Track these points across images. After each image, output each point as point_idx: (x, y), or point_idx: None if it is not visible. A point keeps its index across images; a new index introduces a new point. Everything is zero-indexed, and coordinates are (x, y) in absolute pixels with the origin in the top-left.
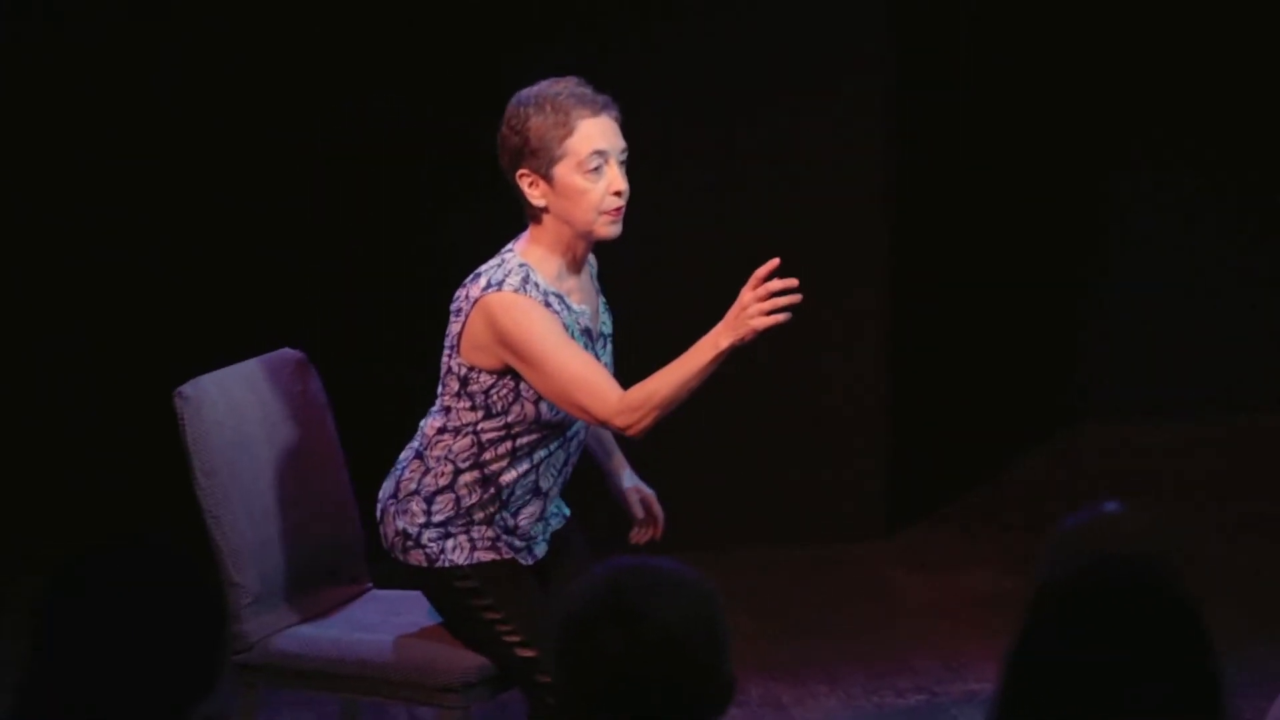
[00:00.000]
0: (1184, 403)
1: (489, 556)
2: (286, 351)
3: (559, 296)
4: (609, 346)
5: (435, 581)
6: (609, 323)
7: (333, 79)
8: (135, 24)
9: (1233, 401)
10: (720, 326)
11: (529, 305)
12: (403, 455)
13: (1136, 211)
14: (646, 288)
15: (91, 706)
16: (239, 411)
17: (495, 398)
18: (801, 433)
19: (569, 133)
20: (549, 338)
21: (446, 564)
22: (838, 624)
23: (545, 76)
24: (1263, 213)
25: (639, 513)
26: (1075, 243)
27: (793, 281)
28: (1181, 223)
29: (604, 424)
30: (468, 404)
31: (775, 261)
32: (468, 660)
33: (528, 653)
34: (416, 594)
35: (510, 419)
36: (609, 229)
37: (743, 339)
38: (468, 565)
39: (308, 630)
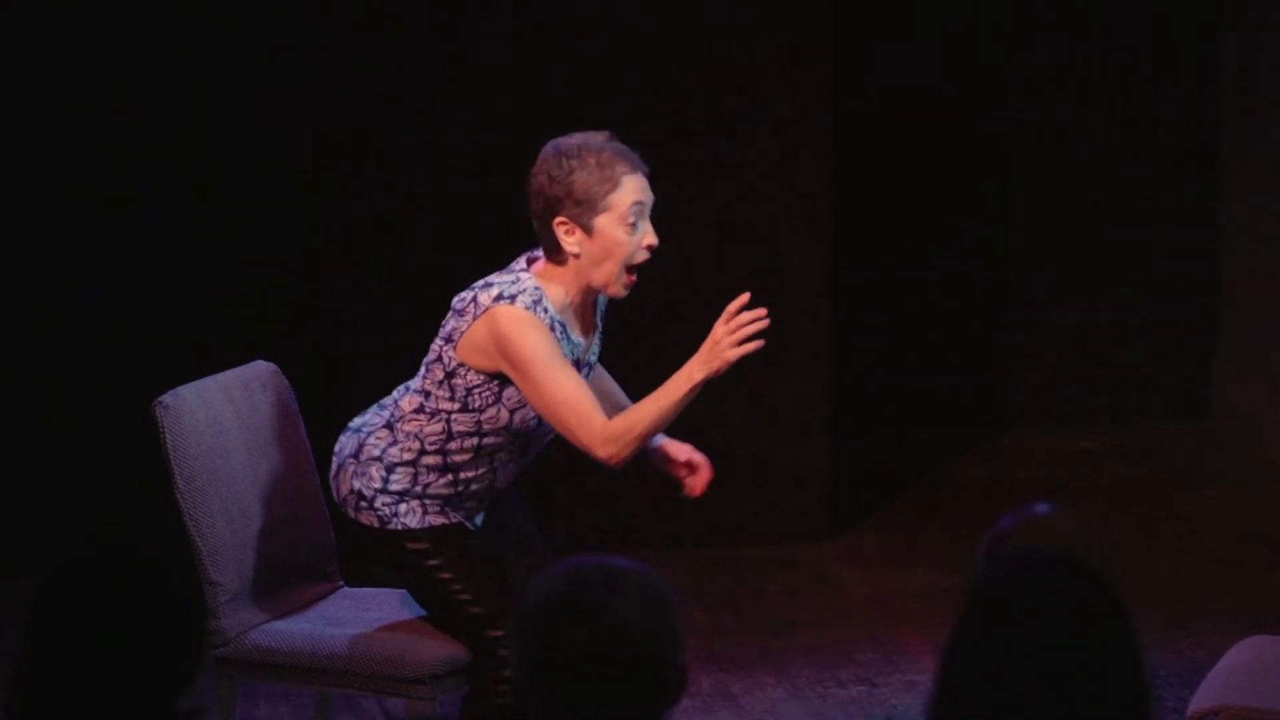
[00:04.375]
0: (1111, 408)
1: (439, 520)
2: (260, 363)
3: (563, 325)
4: (591, 375)
5: (388, 541)
6: (598, 352)
7: (301, 91)
8: (97, 33)
9: (1155, 407)
10: (694, 361)
11: (536, 324)
12: (367, 419)
13: (1064, 222)
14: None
15: (78, 700)
16: (216, 420)
17: (476, 396)
18: (750, 439)
19: (614, 186)
20: (552, 360)
21: (399, 526)
22: (785, 619)
23: (504, 83)
24: (1185, 225)
25: (681, 473)
26: (1013, 254)
27: (761, 311)
28: (1108, 235)
29: (587, 449)
30: (447, 394)
31: (745, 296)
32: (436, 653)
33: (477, 609)
34: (386, 590)
35: (484, 418)
36: (622, 290)
37: (717, 371)
38: (419, 528)
39: (282, 626)
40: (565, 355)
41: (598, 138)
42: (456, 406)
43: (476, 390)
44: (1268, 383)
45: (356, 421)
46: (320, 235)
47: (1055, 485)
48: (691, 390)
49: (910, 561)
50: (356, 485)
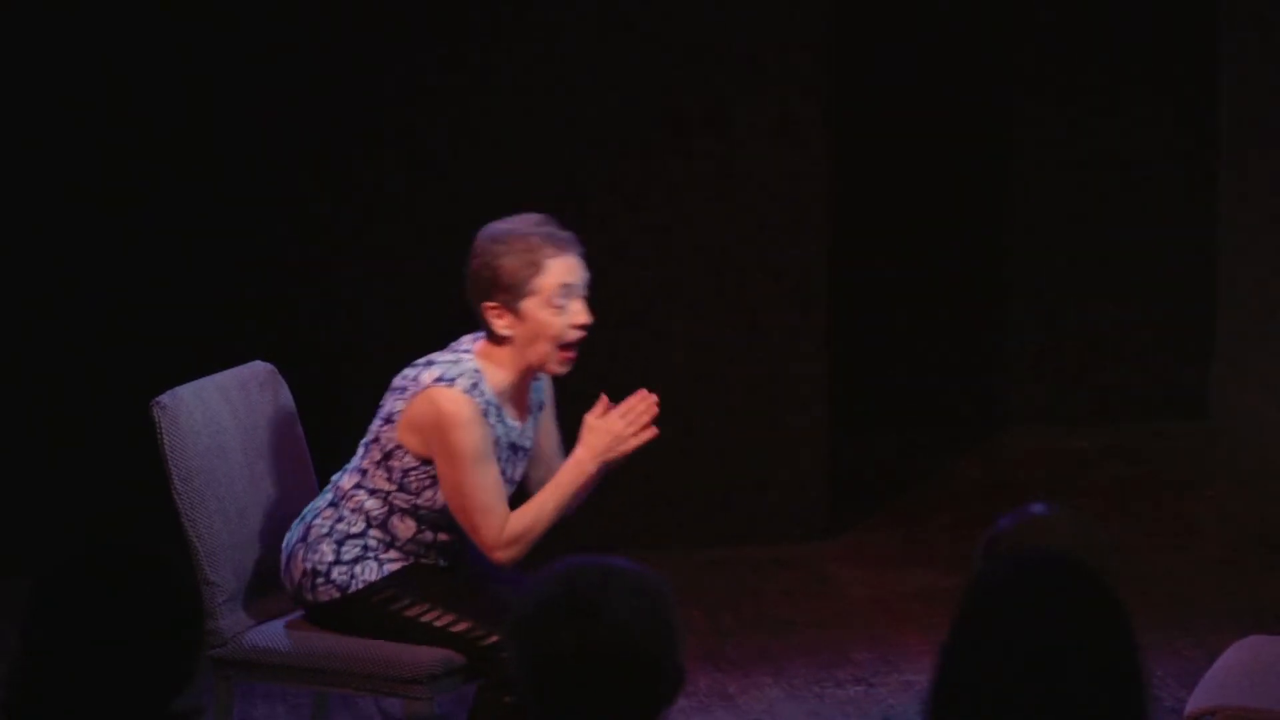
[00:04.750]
0: (1109, 408)
1: (398, 565)
2: (258, 364)
3: (498, 409)
4: (526, 459)
5: (354, 607)
6: (533, 437)
7: (301, 91)
8: (97, 33)
9: (1154, 407)
10: (585, 451)
11: (470, 413)
12: (313, 504)
13: (1064, 223)
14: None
15: (76, 700)
16: (214, 420)
17: (412, 479)
18: (749, 439)
19: (537, 271)
20: (479, 459)
21: (360, 585)
22: (782, 619)
23: (496, 91)
24: (1183, 225)
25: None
26: (1012, 254)
27: (653, 397)
28: (1107, 235)
29: (483, 549)
30: (385, 475)
31: (642, 392)
32: (432, 654)
33: (463, 626)
34: None
35: (420, 501)
36: (559, 368)
37: (612, 463)
38: (379, 579)
39: (279, 626)
40: (499, 439)
41: (527, 222)
42: (394, 487)
43: (413, 473)
44: (1267, 383)
45: (306, 509)
46: (319, 236)
47: (1054, 485)
48: (586, 483)
49: (909, 561)
50: (308, 565)
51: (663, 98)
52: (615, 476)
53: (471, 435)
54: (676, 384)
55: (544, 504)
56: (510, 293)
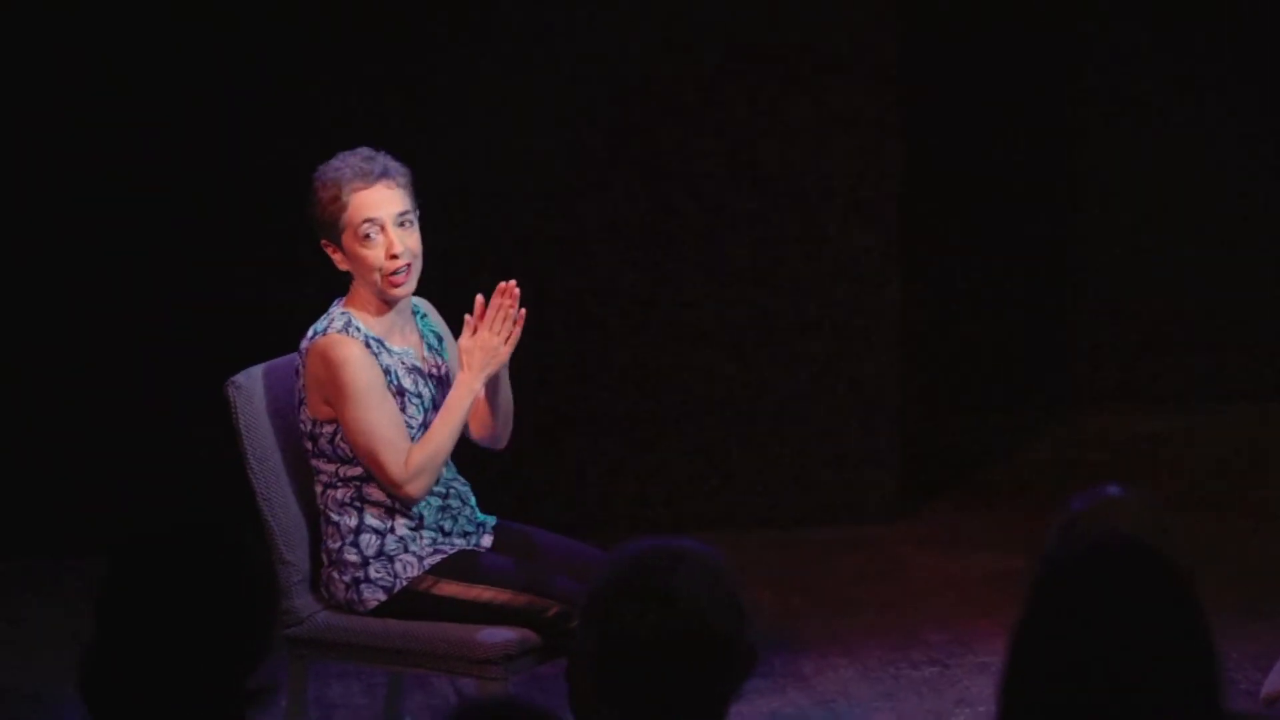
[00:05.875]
0: (1184, 390)
1: (437, 558)
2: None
3: (379, 340)
4: (445, 381)
5: (402, 604)
6: (445, 353)
7: (345, 75)
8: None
9: (1229, 390)
10: (467, 375)
11: (352, 348)
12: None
13: (1138, 203)
14: (660, 279)
15: (150, 679)
16: (287, 399)
17: (340, 445)
18: (820, 420)
19: (343, 206)
20: (369, 389)
21: (404, 584)
22: (855, 600)
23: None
24: (1259, 203)
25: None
26: (1086, 235)
27: (508, 285)
28: (1183, 216)
29: (392, 485)
30: (323, 459)
31: (480, 298)
32: (508, 635)
33: (523, 600)
34: None
35: (361, 467)
36: (394, 291)
37: (494, 373)
38: (421, 574)
39: None
40: (390, 370)
41: (340, 159)
42: (336, 465)
43: (338, 439)
44: None
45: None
46: None
47: (1126, 468)
48: (473, 402)
49: (980, 543)
50: (346, 578)
51: (737, 78)
52: (689, 456)
53: (360, 370)
54: (750, 365)
55: (440, 432)
56: (328, 230)
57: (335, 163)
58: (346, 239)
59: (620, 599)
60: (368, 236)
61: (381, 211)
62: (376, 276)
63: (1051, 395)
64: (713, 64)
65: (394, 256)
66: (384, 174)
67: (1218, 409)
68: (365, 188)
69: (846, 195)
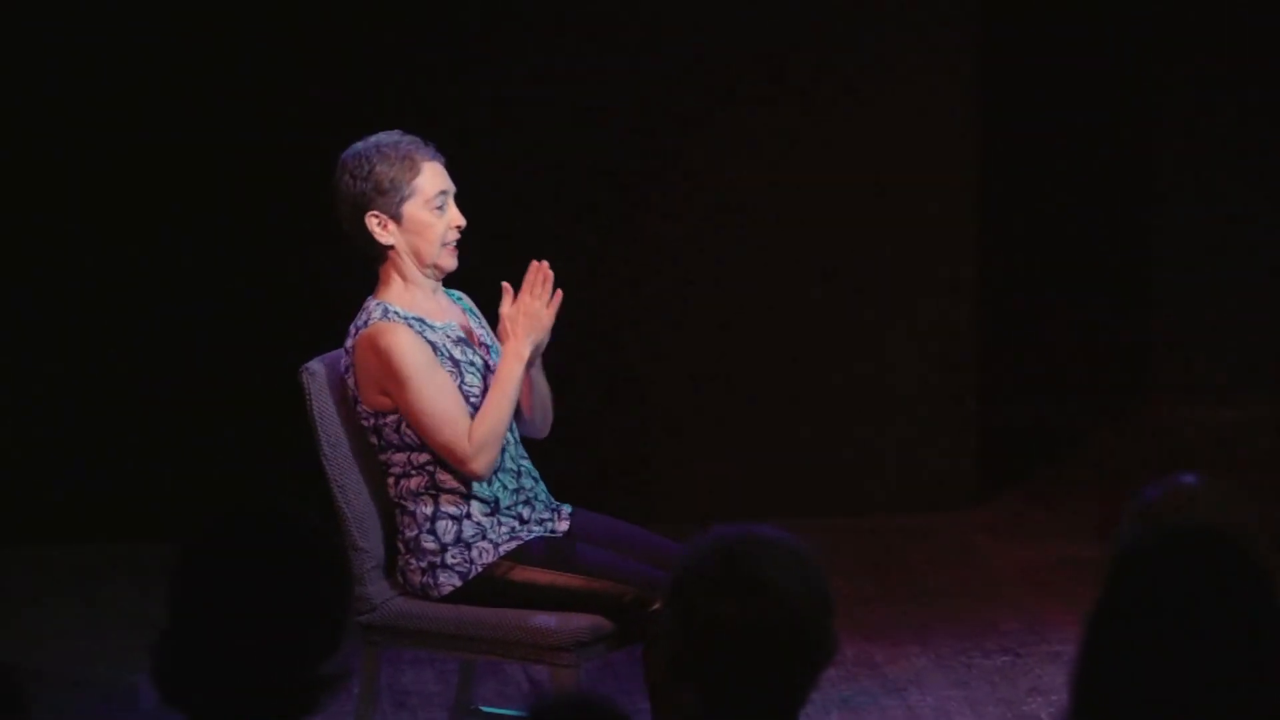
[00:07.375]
0: (1261, 380)
1: (513, 545)
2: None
3: (419, 320)
4: (485, 350)
5: (477, 590)
6: (485, 331)
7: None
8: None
9: None
10: (514, 344)
11: (400, 331)
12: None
13: (1215, 193)
14: (733, 267)
15: (223, 665)
16: (345, 392)
17: (406, 433)
18: (895, 407)
19: (416, 174)
20: (424, 367)
21: (480, 569)
22: (928, 588)
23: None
24: None
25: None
26: (1163, 224)
27: (542, 264)
28: (1259, 206)
29: (459, 463)
30: (392, 450)
31: (533, 263)
32: (579, 621)
33: (600, 585)
34: None
35: (429, 452)
36: (450, 260)
37: (540, 342)
38: (497, 560)
39: None
40: (438, 347)
41: (390, 135)
42: (406, 454)
43: (403, 428)
44: None
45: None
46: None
47: (1201, 457)
48: (525, 370)
49: (1054, 531)
50: (422, 564)
51: (816, 70)
52: (763, 443)
53: (410, 351)
54: (826, 355)
55: (496, 403)
56: (389, 196)
57: (385, 137)
58: (412, 207)
59: (710, 584)
60: (440, 207)
61: (448, 185)
62: (437, 247)
63: (1128, 384)
64: (784, 53)
65: (458, 228)
66: (439, 154)
67: None
68: (431, 160)
69: (926, 184)
